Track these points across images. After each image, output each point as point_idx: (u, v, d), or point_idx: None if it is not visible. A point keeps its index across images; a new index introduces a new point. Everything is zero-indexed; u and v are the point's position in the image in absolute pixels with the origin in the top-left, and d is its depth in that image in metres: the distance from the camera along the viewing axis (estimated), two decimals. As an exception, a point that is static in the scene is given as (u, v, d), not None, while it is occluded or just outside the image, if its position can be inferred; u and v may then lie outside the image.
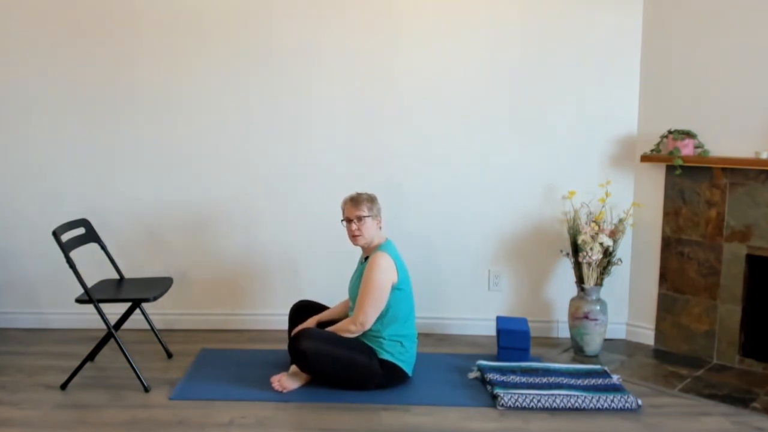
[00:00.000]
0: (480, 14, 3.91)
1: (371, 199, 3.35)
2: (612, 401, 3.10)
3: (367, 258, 3.34)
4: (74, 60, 3.95)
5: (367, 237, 3.32)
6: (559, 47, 3.91)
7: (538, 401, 3.10)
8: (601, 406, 3.08)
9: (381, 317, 3.24)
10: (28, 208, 4.06)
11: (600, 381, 3.33)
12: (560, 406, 3.09)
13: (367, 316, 3.18)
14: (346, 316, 3.42)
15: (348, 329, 3.21)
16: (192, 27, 3.93)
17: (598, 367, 3.51)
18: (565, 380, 3.33)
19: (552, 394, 3.15)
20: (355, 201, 3.32)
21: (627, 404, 3.08)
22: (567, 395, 3.14)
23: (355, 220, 3.29)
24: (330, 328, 3.27)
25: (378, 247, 3.32)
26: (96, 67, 3.96)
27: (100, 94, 3.98)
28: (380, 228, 3.38)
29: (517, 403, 3.09)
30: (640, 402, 3.10)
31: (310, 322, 3.45)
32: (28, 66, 3.96)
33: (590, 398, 3.11)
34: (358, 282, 3.31)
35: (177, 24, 3.92)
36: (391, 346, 3.24)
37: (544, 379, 3.34)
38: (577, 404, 3.09)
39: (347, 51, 3.94)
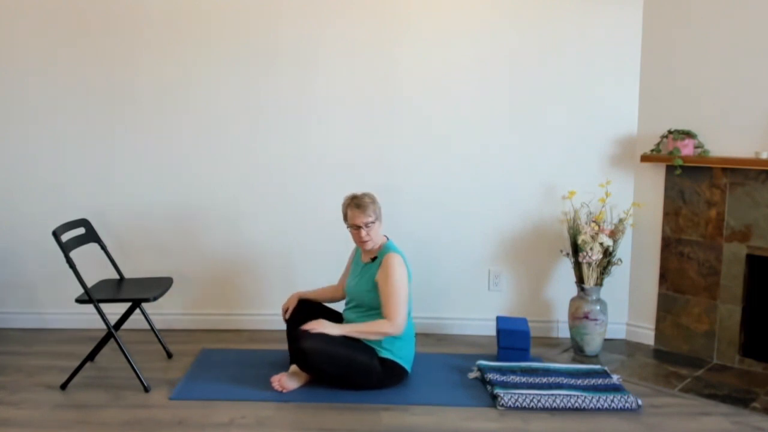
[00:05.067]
0: (480, 14, 3.91)
1: (374, 201, 3.32)
2: (612, 401, 3.10)
3: (374, 259, 3.31)
4: (75, 60, 3.95)
5: (376, 240, 3.31)
6: (559, 47, 3.91)
7: (538, 401, 3.10)
8: (601, 406, 3.08)
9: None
10: (29, 208, 4.06)
11: (600, 381, 3.33)
12: (560, 406, 3.09)
13: (401, 317, 3.18)
14: (332, 298, 3.55)
15: (383, 331, 3.16)
16: (193, 27, 3.93)
17: (598, 367, 3.51)
18: (565, 380, 3.33)
19: (552, 394, 3.15)
20: (361, 207, 3.25)
21: (627, 404, 3.08)
22: (567, 395, 3.14)
23: (364, 227, 3.25)
24: (357, 328, 3.18)
25: (384, 247, 3.31)
26: (97, 67, 3.96)
27: (100, 94, 3.98)
28: (381, 226, 3.39)
29: (517, 403, 3.09)
30: (640, 402, 3.10)
31: (293, 299, 3.48)
32: (28, 66, 3.96)
33: (590, 398, 3.11)
34: (362, 282, 3.31)
35: (178, 24, 3.92)
36: (390, 344, 3.25)
37: (544, 379, 3.34)
38: (577, 404, 3.09)
39: (348, 51, 3.94)
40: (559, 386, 3.26)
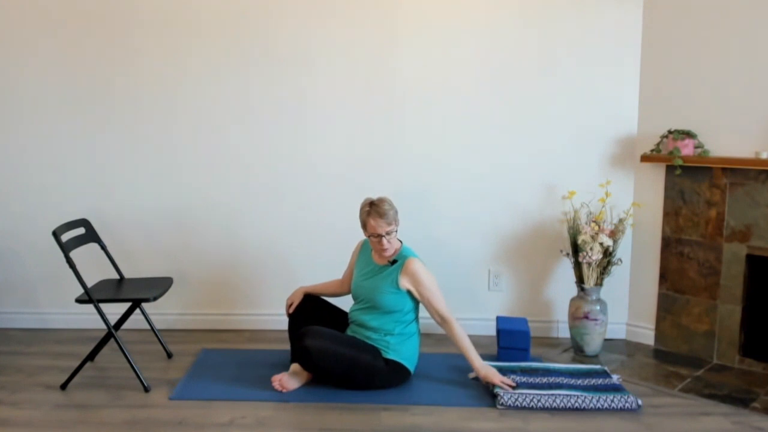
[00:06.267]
0: (479, 15, 3.91)
1: (392, 205, 3.25)
2: (612, 401, 3.10)
3: (393, 262, 3.28)
4: (74, 60, 3.95)
5: (396, 246, 3.30)
6: (559, 47, 3.91)
7: (538, 401, 3.10)
8: (601, 406, 3.08)
9: (399, 317, 3.26)
10: (28, 208, 4.06)
11: (600, 381, 3.33)
12: (560, 406, 3.09)
13: (447, 310, 3.27)
14: (336, 293, 3.56)
15: (460, 331, 3.25)
16: (192, 27, 3.93)
17: (597, 367, 3.51)
18: (565, 380, 3.33)
19: (552, 394, 3.15)
20: (384, 216, 3.17)
21: (627, 404, 3.08)
22: (567, 395, 3.14)
23: (386, 235, 3.21)
24: (463, 349, 3.26)
25: (403, 251, 3.31)
26: (96, 68, 3.96)
27: (100, 94, 3.98)
28: None
29: (516, 403, 3.09)
30: (640, 402, 3.10)
31: (298, 294, 3.47)
32: (28, 66, 3.96)
33: (590, 398, 3.11)
34: (380, 284, 3.27)
35: (176, 26, 3.92)
36: (399, 344, 3.25)
37: (544, 379, 3.34)
38: (577, 404, 3.09)
39: (347, 53, 3.94)
40: (560, 386, 3.26)
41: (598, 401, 3.10)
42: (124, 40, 3.94)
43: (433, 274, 3.33)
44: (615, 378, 3.37)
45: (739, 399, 3.21)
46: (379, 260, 3.34)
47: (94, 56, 3.95)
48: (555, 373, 3.42)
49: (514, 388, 3.20)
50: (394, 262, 3.29)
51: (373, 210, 3.20)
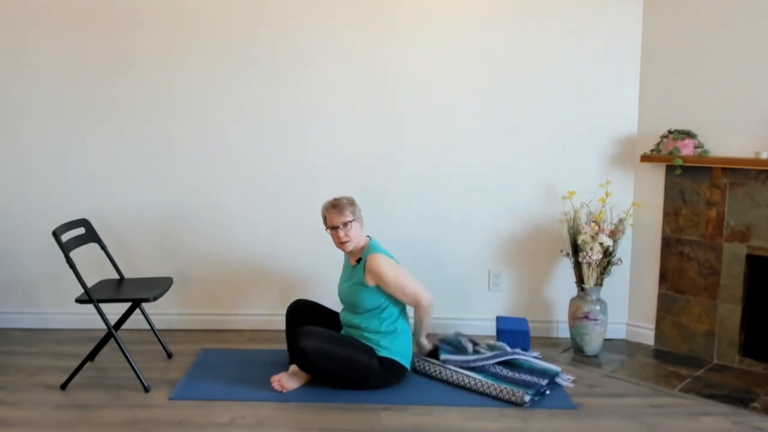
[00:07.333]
0: (478, 14, 3.91)
1: (352, 203, 3.34)
2: (500, 392, 3.16)
3: (359, 260, 3.32)
4: (74, 60, 3.95)
5: (355, 241, 3.32)
6: (558, 47, 3.91)
7: (439, 374, 3.35)
8: (489, 393, 3.19)
9: (378, 313, 3.26)
10: (28, 208, 4.06)
11: (529, 378, 3.27)
12: (457, 383, 3.28)
13: (420, 292, 3.30)
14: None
15: (429, 312, 3.37)
16: (192, 27, 3.93)
17: (553, 368, 3.36)
18: (502, 371, 3.35)
19: (459, 373, 3.33)
20: (338, 208, 3.29)
21: (513, 398, 3.11)
22: (472, 378, 3.27)
23: (341, 227, 3.27)
24: (418, 326, 3.43)
25: (367, 248, 3.33)
26: (96, 68, 3.96)
27: (99, 94, 3.98)
28: (362, 228, 3.39)
29: (423, 370, 3.41)
30: (527, 399, 3.07)
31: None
32: (28, 66, 3.96)
33: (487, 384, 3.22)
34: (349, 285, 3.32)
35: (174, 27, 3.92)
36: (388, 343, 3.25)
37: (478, 363, 3.39)
38: (470, 385, 3.24)
39: (347, 53, 3.94)
40: (482, 370, 3.35)
41: (488, 388, 3.20)
42: (124, 40, 3.94)
43: (398, 263, 3.34)
44: (545, 382, 3.23)
45: (739, 399, 3.21)
46: (352, 262, 3.39)
47: (93, 56, 3.95)
48: (507, 364, 3.41)
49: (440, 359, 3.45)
50: (359, 261, 3.32)
51: (329, 204, 3.35)
